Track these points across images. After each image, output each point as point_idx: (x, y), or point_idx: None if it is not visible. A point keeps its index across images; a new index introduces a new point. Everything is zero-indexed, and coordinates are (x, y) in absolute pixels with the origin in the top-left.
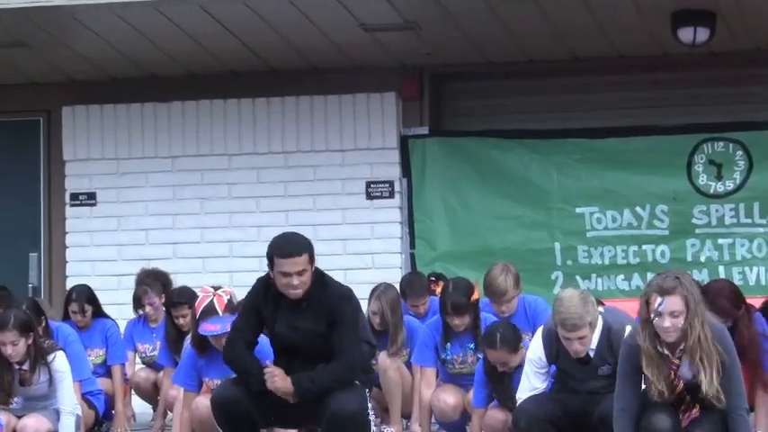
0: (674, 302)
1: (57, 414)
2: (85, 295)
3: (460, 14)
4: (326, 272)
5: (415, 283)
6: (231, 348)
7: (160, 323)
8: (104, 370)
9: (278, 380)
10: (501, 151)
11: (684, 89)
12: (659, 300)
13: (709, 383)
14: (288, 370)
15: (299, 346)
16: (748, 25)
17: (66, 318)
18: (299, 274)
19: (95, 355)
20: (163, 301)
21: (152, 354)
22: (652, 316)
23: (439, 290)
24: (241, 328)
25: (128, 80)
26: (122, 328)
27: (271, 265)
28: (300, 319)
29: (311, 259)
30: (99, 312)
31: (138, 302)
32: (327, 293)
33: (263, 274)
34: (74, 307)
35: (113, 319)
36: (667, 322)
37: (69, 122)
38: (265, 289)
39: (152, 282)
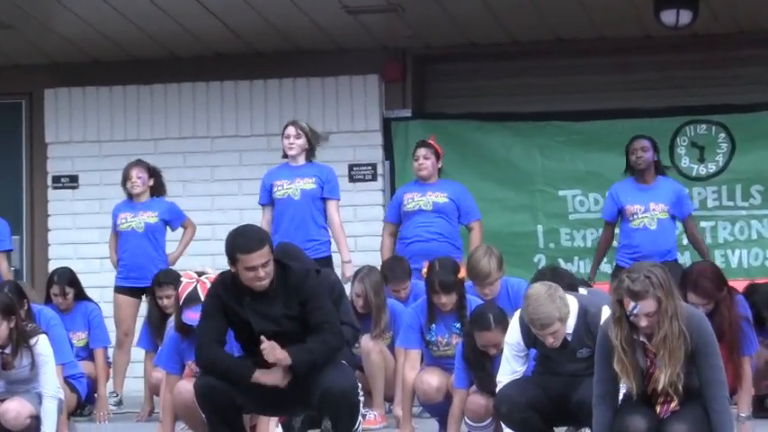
0: (648, 305)
1: (39, 398)
2: (67, 278)
3: (432, 6)
4: None
5: (396, 268)
6: (205, 354)
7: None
8: (86, 353)
9: (278, 351)
10: (483, 133)
11: (667, 72)
12: (632, 304)
13: (664, 378)
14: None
15: (278, 333)
16: (731, 7)
17: (48, 301)
18: (264, 265)
19: (77, 339)
20: None
21: None
22: (627, 314)
23: (425, 270)
24: (208, 332)
25: (110, 62)
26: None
27: (233, 262)
28: (271, 307)
29: (271, 248)
30: (81, 295)
31: None
32: (290, 276)
33: None
34: (55, 290)
35: (96, 302)
36: (644, 322)
37: (51, 105)
38: (228, 288)
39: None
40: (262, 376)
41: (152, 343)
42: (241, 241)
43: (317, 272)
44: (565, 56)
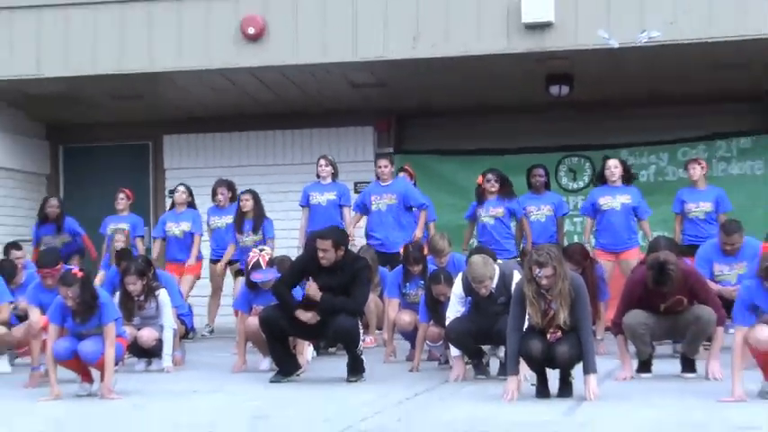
0: (547, 271)
1: (161, 328)
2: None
3: (412, 78)
4: None
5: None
6: (278, 288)
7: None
8: None
9: (315, 290)
10: (440, 163)
11: (553, 124)
12: (537, 269)
13: (563, 316)
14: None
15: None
16: (590, 85)
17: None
18: (324, 251)
19: None
20: None
21: None
22: (534, 276)
23: (402, 250)
24: (286, 278)
25: (202, 117)
26: None
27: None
28: (329, 278)
29: (335, 245)
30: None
31: None
32: (347, 260)
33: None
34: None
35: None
36: (545, 281)
37: (167, 145)
38: (313, 259)
39: None
40: (301, 314)
41: (247, 305)
42: (317, 233)
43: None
44: (491, 113)
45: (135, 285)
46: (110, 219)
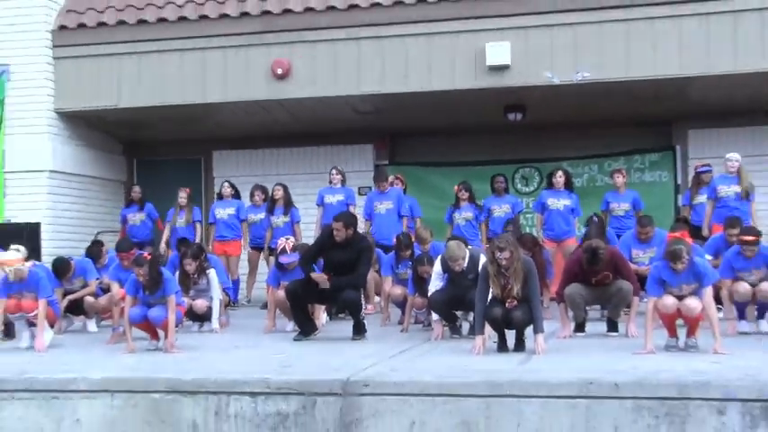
0: (506, 254)
1: (210, 298)
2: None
3: (403, 107)
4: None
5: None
6: (303, 260)
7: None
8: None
9: (322, 279)
10: (426, 173)
11: (512, 141)
12: (498, 253)
13: (517, 289)
14: (332, 275)
15: (341, 263)
16: (540, 112)
17: None
18: (337, 230)
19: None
20: None
21: None
22: (496, 258)
23: (395, 239)
24: (309, 254)
25: (244, 136)
26: None
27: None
28: (342, 252)
29: (345, 225)
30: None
31: None
32: (355, 239)
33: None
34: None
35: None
36: (504, 262)
37: (217, 159)
38: (330, 238)
39: None
40: (316, 277)
41: (276, 281)
42: (335, 217)
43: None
44: (463, 134)
45: (190, 266)
46: (172, 210)
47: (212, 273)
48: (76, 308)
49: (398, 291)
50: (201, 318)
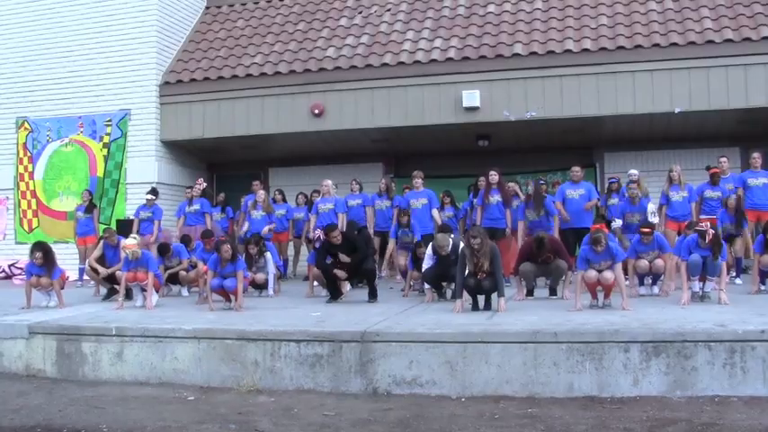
0: (477, 241)
1: (267, 272)
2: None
3: (404, 137)
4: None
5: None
6: (318, 258)
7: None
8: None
9: (342, 257)
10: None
11: (481, 161)
12: (472, 239)
13: (486, 265)
14: (337, 263)
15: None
16: (501, 140)
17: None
18: (335, 237)
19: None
20: None
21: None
22: (471, 244)
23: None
24: (321, 253)
25: (290, 158)
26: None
27: (326, 234)
28: (341, 249)
29: (337, 232)
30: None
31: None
32: (348, 238)
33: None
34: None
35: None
36: (476, 246)
37: (273, 174)
38: (330, 243)
39: None
40: (342, 257)
41: (314, 259)
42: (327, 228)
43: (359, 231)
44: (445, 155)
45: (253, 249)
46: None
47: (268, 255)
48: (174, 279)
49: (402, 260)
50: (261, 287)
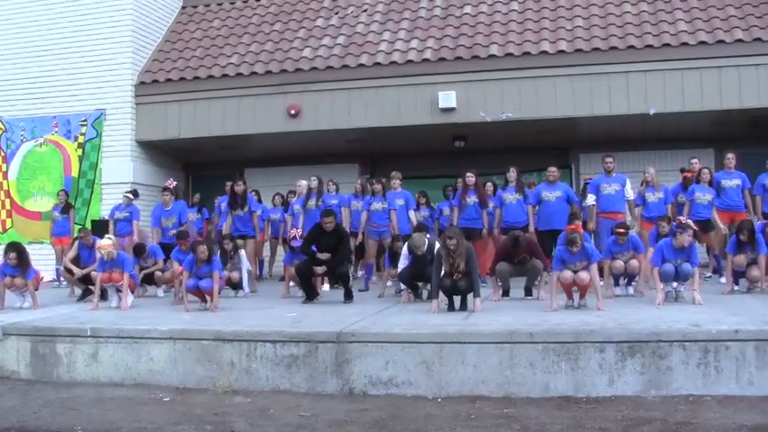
0: (453, 241)
1: (240, 271)
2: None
3: (380, 137)
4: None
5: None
6: (304, 247)
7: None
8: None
9: (322, 254)
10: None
11: (458, 161)
12: (448, 240)
13: (462, 266)
14: (323, 252)
15: (330, 246)
16: (477, 141)
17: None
18: (329, 222)
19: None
20: None
21: None
22: (447, 245)
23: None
24: (307, 241)
25: (267, 158)
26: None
27: (323, 218)
28: (329, 238)
29: (333, 218)
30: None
31: None
32: (338, 230)
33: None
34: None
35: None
36: (452, 246)
37: (248, 174)
38: (320, 228)
39: None
40: (320, 255)
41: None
42: (324, 212)
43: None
44: (423, 155)
45: (228, 245)
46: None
47: (242, 251)
48: (149, 279)
49: (372, 250)
50: (237, 286)
